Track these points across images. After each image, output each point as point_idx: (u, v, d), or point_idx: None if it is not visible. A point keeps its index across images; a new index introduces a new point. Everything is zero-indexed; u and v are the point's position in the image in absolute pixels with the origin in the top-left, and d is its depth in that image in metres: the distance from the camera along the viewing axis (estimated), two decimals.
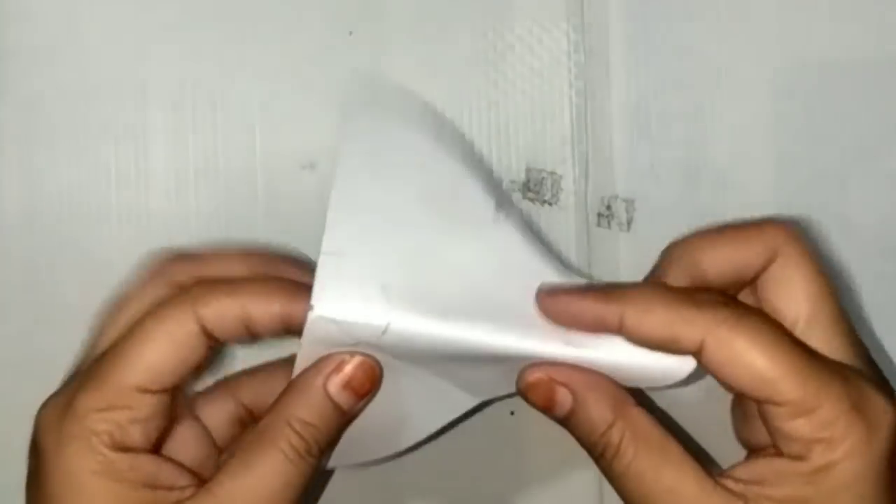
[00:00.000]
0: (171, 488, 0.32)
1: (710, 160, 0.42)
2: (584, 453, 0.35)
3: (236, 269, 0.35)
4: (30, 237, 0.41)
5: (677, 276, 0.33)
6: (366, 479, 0.41)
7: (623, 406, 0.33)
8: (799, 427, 0.30)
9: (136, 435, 0.32)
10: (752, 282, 0.33)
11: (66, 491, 0.32)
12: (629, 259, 0.42)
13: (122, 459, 0.32)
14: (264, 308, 0.32)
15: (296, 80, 0.42)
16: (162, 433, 0.34)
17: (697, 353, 0.31)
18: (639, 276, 0.39)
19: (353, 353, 0.33)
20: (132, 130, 0.42)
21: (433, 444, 0.39)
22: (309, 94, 0.42)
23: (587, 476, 0.42)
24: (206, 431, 0.37)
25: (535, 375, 0.33)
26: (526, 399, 0.34)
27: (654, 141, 0.42)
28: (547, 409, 0.34)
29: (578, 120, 0.42)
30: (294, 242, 0.41)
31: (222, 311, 0.32)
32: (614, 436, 0.32)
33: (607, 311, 0.32)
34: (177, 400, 0.34)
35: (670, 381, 0.33)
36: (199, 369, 0.34)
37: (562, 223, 0.42)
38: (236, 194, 0.42)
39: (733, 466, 0.33)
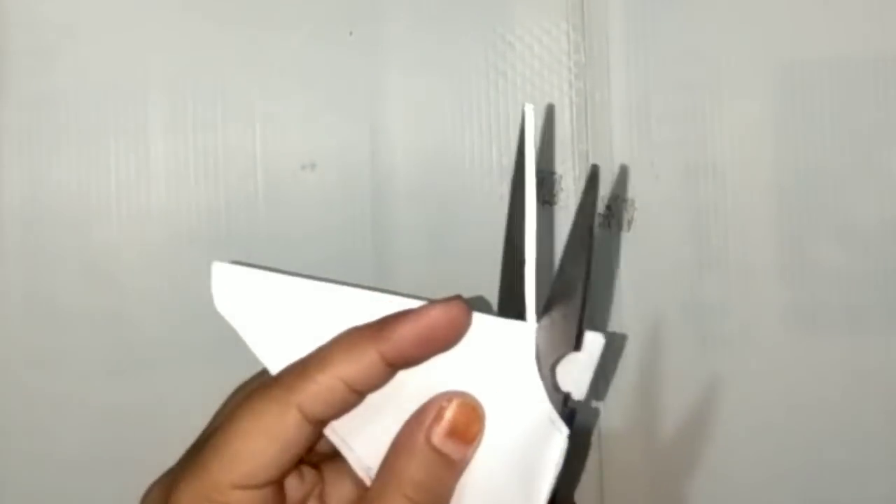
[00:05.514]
0: None
1: (710, 160, 0.42)
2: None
3: None
4: (30, 237, 0.41)
5: None
6: None
7: None
8: None
9: None
10: None
11: None
12: (630, 259, 0.42)
13: None
14: (359, 365, 0.30)
15: (296, 80, 0.42)
16: None
17: None
18: (639, 276, 0.39)
19: (450, 397, 0.31)
20: (132, 130, 0.42)
21: None
22: (309, 94, 0.42)
23: (587, 476, 0.42)
24: None
25: None
26: None
27: (654, 141, 0.42)
28: None
29: (578, 120, 0.42)
30: (294, 242, 0.41)
31: (320, 392, 0.29)
32: None
33: None
34: (290, 485, 0.32)
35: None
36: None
37: (562, 223, 0.42)
38: (236, 194, 0.42)
39: None
